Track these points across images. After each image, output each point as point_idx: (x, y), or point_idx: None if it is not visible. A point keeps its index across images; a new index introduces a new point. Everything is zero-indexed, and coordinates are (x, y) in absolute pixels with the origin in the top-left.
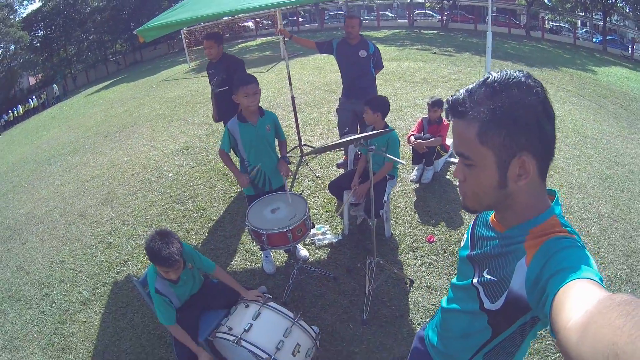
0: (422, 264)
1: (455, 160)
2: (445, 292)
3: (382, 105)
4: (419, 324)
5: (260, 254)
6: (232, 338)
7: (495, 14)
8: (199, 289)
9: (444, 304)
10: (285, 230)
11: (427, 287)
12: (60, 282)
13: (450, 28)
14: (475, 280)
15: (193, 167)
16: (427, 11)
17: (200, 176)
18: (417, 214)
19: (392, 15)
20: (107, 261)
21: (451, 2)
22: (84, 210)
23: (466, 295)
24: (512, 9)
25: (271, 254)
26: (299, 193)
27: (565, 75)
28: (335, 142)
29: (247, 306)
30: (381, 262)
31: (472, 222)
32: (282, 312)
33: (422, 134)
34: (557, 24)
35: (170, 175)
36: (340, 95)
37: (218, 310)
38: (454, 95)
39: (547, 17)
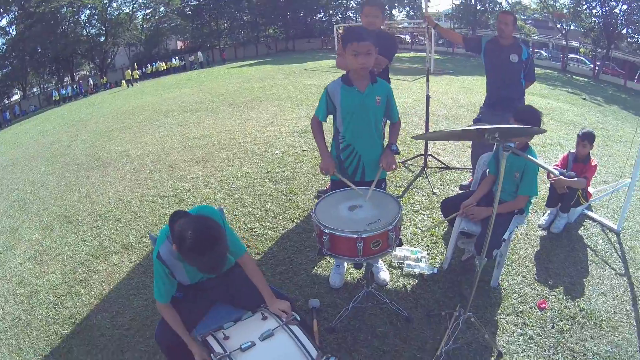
0: (522, 334)
1: (595, 215)
2: None
3: (531, 119)
4: None
5: (334, 261)
6: (219, 350)
7: None
8: (222, 273)
9: None
10: (355, 236)
11: None
12: (116, 220)
13: (601, 79)
14: None
15: (304, 150)
16: (580, 57)
17: (307, 161)
18: (535, 268)
19: (546, 55)
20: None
21: (604, 52)
22: (175, 163)
23: None
24: None
25: (345, 264)
26: (396, 196)
27: None
28: (463, 128)
29: (265, 318)
30: (472, 319)
31: None
32: (303, 346)
33: (564, 171)
34: None
35: (277, 152)
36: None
37: (239, 308)
38: None
39: None
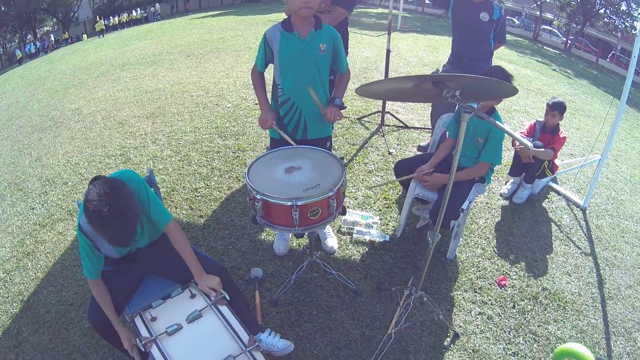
0: (480, 314)
1: (559, 187)
2: None
3: (498, 76)
4: None
5: None
6: (145, 333)
7: (619, 54)
8: (151, 243)
9: None
10: (290, 203)
11: (473, 350)
12: (63, 184)
13: (572, 53)
14: None
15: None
16: (553, 29)
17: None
18: (495, 240)
19: (518, 23)
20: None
21: (579, 27)
22: (125, 119)
23: None
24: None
25: None
26: (341, 157)
27: None
28: (413, 75)
29: (193, 296)
30: (425, 299)
31: None
32: (232, 329)
33: (531, 139)
34: None
35: (229, 105)
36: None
37: (172, 280)
38: None
39: None
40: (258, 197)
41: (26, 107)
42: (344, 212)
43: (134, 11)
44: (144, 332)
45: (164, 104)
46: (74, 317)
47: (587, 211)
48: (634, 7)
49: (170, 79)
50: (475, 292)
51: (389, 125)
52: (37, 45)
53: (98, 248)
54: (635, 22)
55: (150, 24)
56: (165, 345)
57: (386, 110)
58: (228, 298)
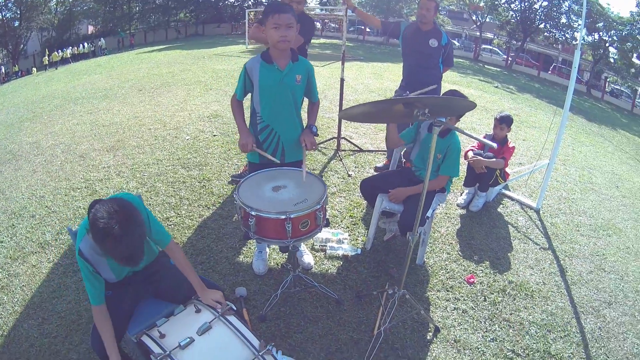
0: (455, 309)
1: (512, 193)
2: (477, 353)
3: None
4: None
5: (255, 247)
6: (158, 351)
7: (560, 65)
8: (146, 266)
9: None
10: (284, 217)
11: (454, 340)
12: (30, 217)
13: (514, 69)
14: None
15: (215, 135)
16: (493, 48)
17: (218, 146)
18: (458, 245)
19: (458, 44)
20: (84, 208)
21: (519, 44)
22: (86, 153)
23: None
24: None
25: (267, 250)
26: (320, 175)
27: (623, 138)
28: (393, 98)
29: (198, 311)
30: (407, 296)
31: None
32: (243, 336)
33: (482, 152)
34: (618, 88)
35: (187, 137)
36: (397, 88)
37: (169, 302)
38: None
39: (609, 79)
40: (252, 214)
41: None
42: (328, 224)
43: (81, 45)
44: (156, 349)
45: (122, 137)
46: (60, 349)
47: (540, 212)
48: (574, 19)
49: (125, 113)
50: (448, 290)
51: (345, 150)
52: None
53: (98, 272)
54: (575, 32)
55: (98, 58)
56: (180, 358)
57: (341, 136)
58: (235, 308)
